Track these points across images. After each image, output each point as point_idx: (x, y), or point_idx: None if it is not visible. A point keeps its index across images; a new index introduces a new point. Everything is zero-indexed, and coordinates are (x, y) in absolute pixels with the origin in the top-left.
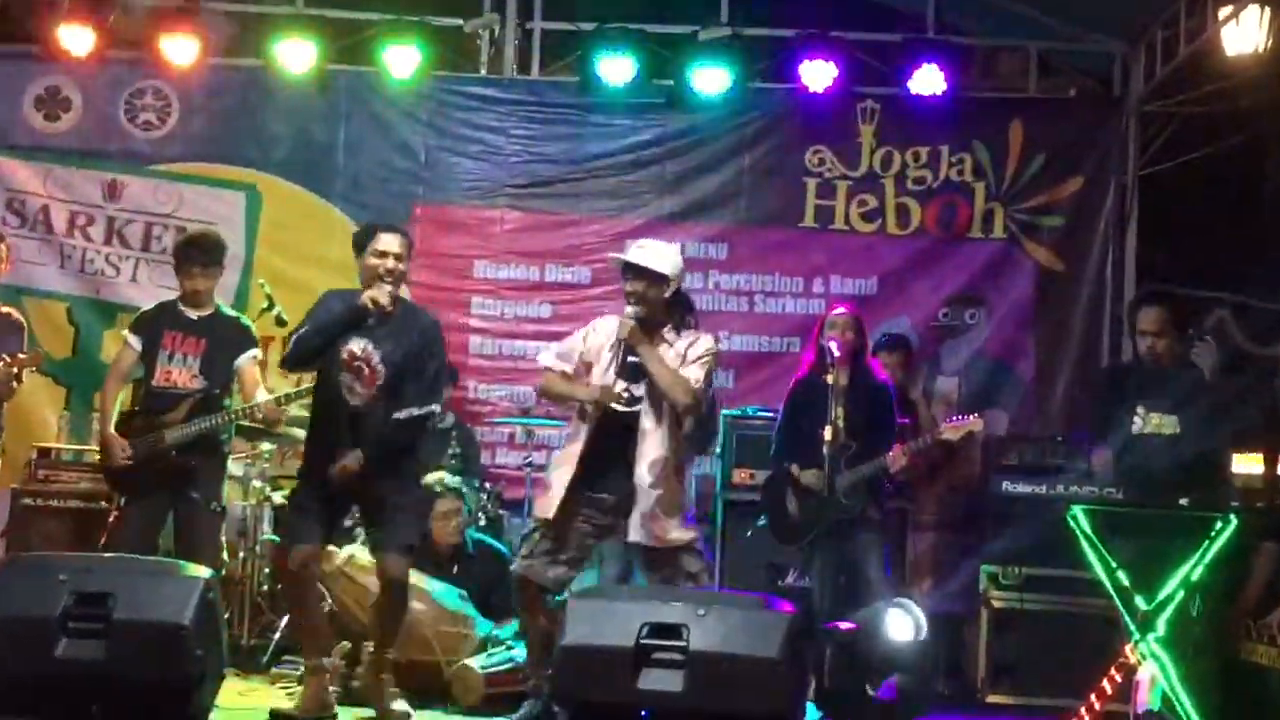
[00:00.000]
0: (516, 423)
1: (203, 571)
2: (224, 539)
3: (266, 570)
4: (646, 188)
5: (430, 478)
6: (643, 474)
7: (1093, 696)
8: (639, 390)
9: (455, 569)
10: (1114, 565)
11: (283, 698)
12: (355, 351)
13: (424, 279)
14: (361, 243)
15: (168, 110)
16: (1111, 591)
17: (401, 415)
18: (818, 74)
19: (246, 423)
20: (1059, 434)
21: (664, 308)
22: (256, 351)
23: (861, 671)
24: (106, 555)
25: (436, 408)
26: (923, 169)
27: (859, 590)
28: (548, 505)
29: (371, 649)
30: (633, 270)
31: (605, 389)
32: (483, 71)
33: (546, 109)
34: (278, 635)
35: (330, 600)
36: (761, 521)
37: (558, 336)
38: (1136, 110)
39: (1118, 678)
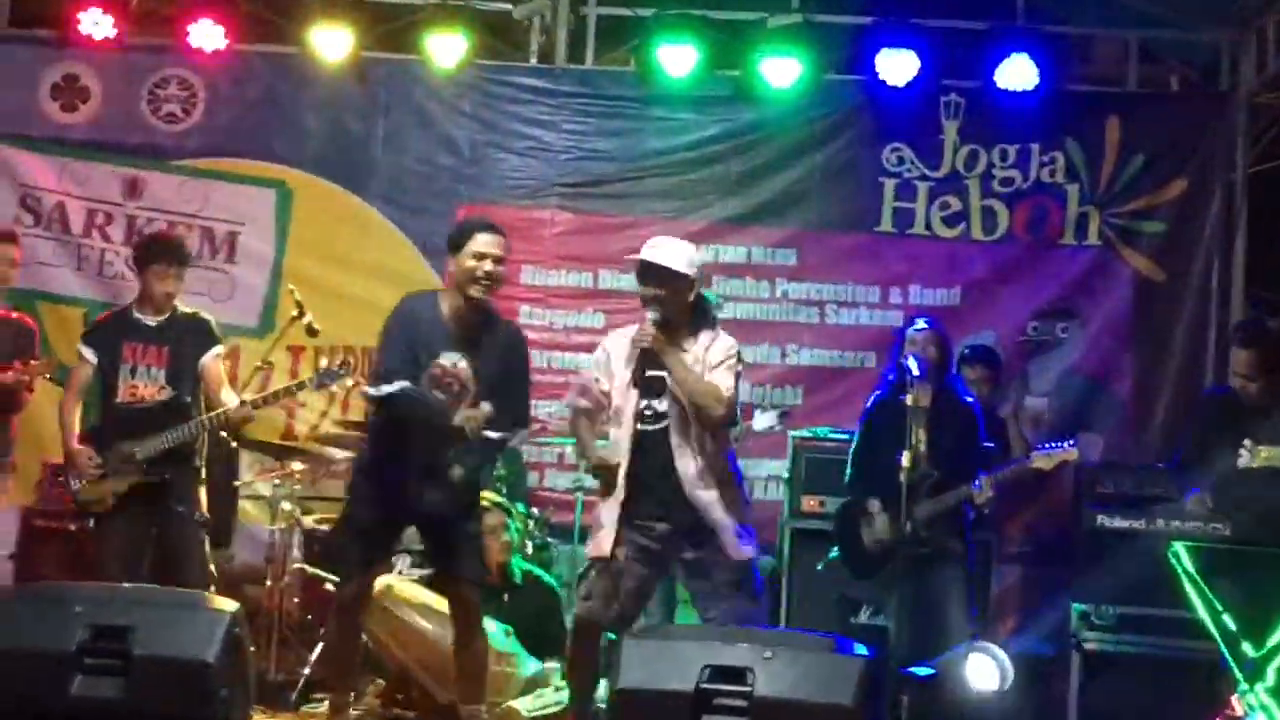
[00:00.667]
0: (567, 442)
1: (229, 604)
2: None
3: (296, 600)
4: (709, 188)
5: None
6: (695, 492)
7: None
8: (662, 405)
9: (500, 601)
10: (1219, 607)
11: None
12: (446, 366)
13: None
14: (458, 242)
15: (193, 101)
16: (1216, 635)
17: (493, 435)
18: (897, 65)
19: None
20: (1159, 461)
21: (686, 310)
22: (219, 349)
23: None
24: (126, 585)
25: (524, 433)
26: (1011, 169)
27: (938, 630)
28: (601, 543)
29: (462, 710)
30: (651, 271)
31: (600, 461)
32: (533, 61)
33: (601, 102)
34: (307, 670)
35: (365, 635)
36: (833, 553)
37: None
38: (1246, 104)
39: None
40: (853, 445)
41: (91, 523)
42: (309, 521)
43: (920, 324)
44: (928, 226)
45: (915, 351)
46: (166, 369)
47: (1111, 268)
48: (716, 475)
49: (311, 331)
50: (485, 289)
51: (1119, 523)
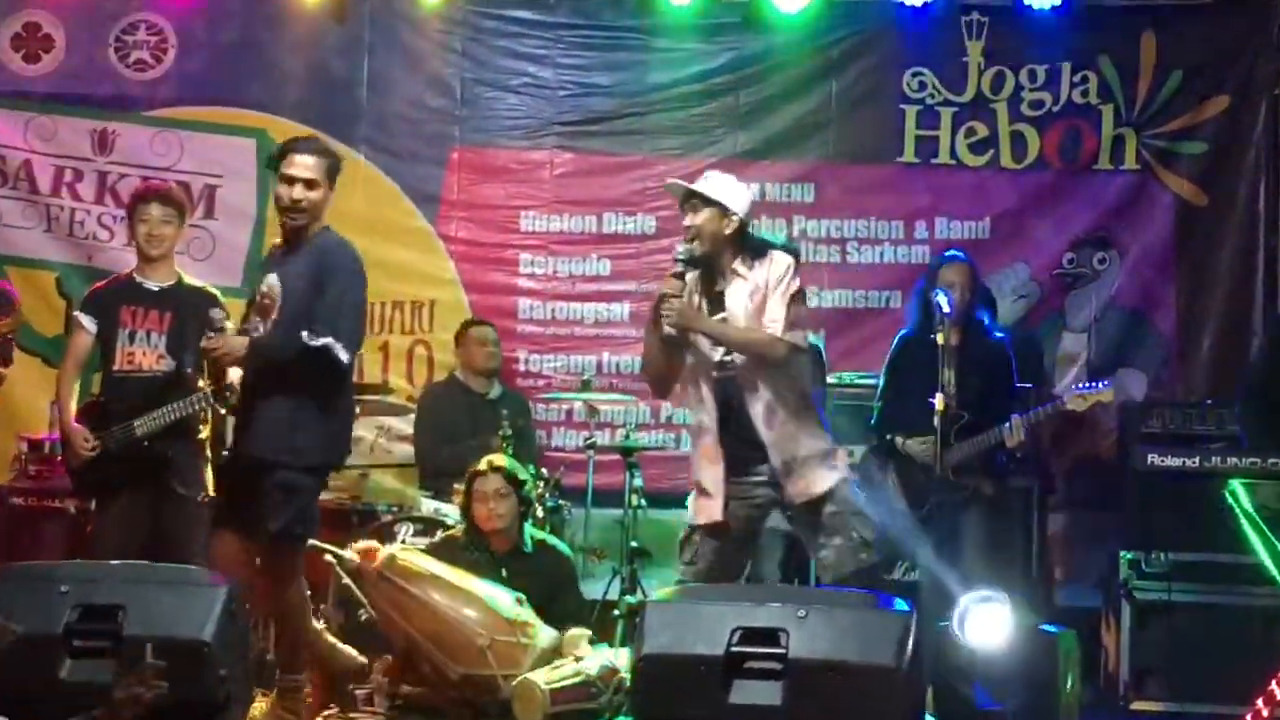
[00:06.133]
0: (576, 398)
1: (225, 579)
2: None
3: None
4: (718, 122)
5: (481, 464)
6: (762, 429)
7: (1260, 702)
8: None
9: (505, 571)
10: None
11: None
12: (263, 289)
13: (463, 234)
14: (274, 166)
15: (163, 47)
16: (1278, 580)
17: (308, 338)
18: None
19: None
20: (1208, 397)
21: (726, 243)
22: (226, 324)
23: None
24: (114, 563)
25: (330, 342)
26: (1040, 91)
27: (959, 579)
28: (710, 509)
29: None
30: (699, 200)
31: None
32: None
33: (599, 33)
34: None
35: (368, 608)
36: None
37: (618, 296)
38: None
39: None
40: (878, 389)
41: (93, 504)
42: None
43: (951, 258)
44: (953, 155)
45: (944, 287)
46: (167, 335)
47: (1150, 192)
48: (786, 415)
49: None
50: (290, 218)
51: (1170, 462)
